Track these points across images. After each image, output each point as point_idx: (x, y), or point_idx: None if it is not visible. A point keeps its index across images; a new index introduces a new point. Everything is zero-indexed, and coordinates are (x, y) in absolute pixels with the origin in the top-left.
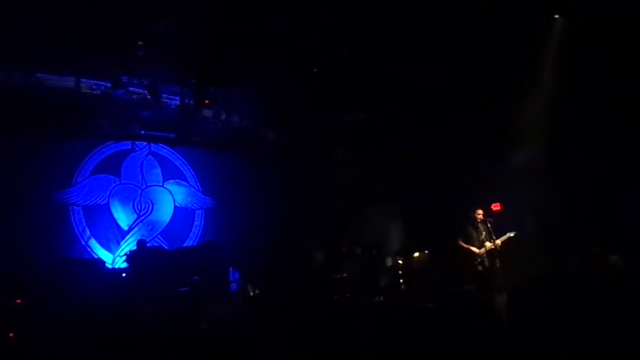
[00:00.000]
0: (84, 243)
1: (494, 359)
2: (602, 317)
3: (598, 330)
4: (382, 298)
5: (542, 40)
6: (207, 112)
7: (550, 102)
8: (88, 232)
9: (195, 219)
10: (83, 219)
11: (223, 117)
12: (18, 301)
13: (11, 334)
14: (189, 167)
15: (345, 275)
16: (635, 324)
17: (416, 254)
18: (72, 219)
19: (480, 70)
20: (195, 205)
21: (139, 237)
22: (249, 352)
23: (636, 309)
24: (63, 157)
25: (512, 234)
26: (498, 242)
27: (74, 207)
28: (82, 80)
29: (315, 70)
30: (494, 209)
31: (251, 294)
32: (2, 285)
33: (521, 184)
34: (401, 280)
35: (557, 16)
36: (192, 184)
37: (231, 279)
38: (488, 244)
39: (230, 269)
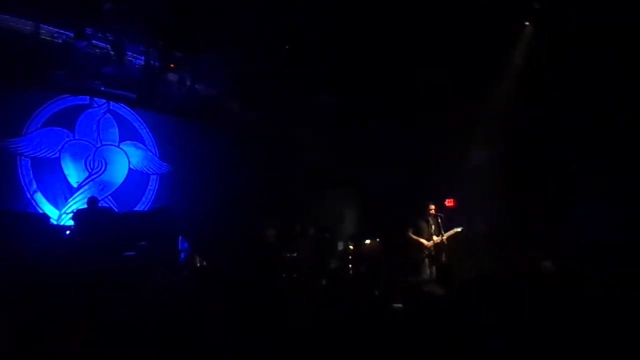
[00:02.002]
0: (29, 196)
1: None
2: (519, 320)
3: (514, 332)
4: (326, 282)
5: (508, 43)
6: (172, 77)
7: (511, 104)
8: (35, 185)
9: (150, 183)
10: (30, 171)
11: (188, 83)
12: None
13: None
14: (147, 130)
15: (295, 255)
16: (551, 329)
17: (368, 241)
18: (19, 170)
19: (449, 66)
20: (151, 170)
21: (90, 196)
22: (188, 322)
23: (555, 315)
24: (15, 104)
25: (458, 230)
26: (445, 236)
27: (22, 157)
28: (42, 26)
29: (286, 47)
30: (447, 204)
31: (198, 264)
32: None
33: (476, 182)
34: (350, 266)
35: (527, 23)
36: (149, 147)
37: (180, 248)
38: (436, 238)
39: (180, 237)
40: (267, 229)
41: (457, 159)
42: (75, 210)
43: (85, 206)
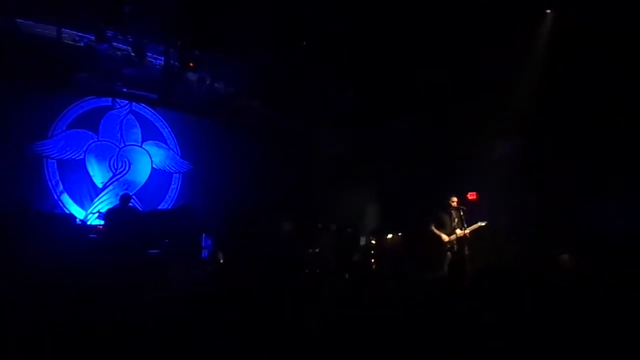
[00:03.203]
0: (56, 197)
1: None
2: (535, 314)
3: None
4: (349, 276)
5: (532, 34)
6: (192, 76)
7: (536, 97)
8: (61, 187)
9: (172, 182)
10: (57, 173)
11: (207, 82)
12: None
13: None
14: (169, 129)
15: (317, 250)
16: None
17: (390, 236)
18: (46, 172)
19: (469, 60)
20: (173, 169)
21: (121, 193)
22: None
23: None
24: (40, 108)
25: (482, 224)
26: (468, 230)
27: (49, 160)
28: (64, 30)
29: (304, 43)
30: (469, 197)
31: (221, 261)
32: None
33: (499, 175)
34: (372, 260)
35: (548, 11)
36: (171, 146)
37: (203, 245)
38: (458, 231)
39: (203, 235)
40: (290, 226)
41: (480, 152)
42: (101, 211)
43: (117, 203)
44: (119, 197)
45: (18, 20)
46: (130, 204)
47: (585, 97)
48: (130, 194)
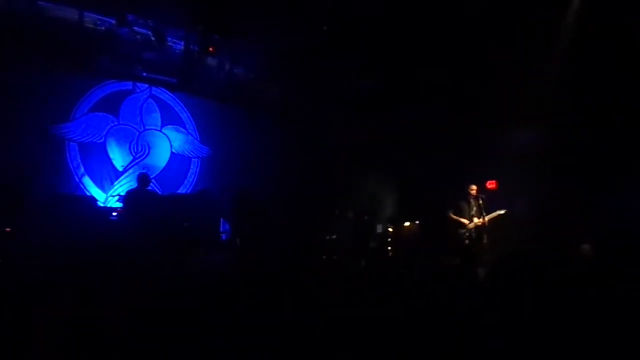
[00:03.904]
0: (77, 179)
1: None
2: (552, 304)
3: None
4: (365, 262)
5: (555, 20)
6: (211, 61)
7: (558, 84)
8: (82, 169)
9: (191, 166)
10: (78, 156)
11: (227, 67)
12: (7, 229)
13: None
14: (188, 114)
15: (334, 237)
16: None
17: (407, 223)
18: (67, 155)
19: (491, 45)
20: (192, 153)
21: (139, 172)
22: (230, 302)
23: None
24: (62, 91)
25: (501, 212)
26: (486, 218)
27: (70, 142)
28: (85, 13)
29: (324, 28)
30: (488, 186)
31: (239, 245)
32: None
33: (519, 164)
34: (389, 247)
35: None
36: (190, 131)
37: (222, 230)
38: (477, 220)
39: (222, 219)
40: (307, 212)
41: (500, 140)
42: (123, 193)
43: (136, 184)
44: (136, 178)
45: (40, 2)
46: (150, 187)
47: (607, 85)
48: (150, 175)
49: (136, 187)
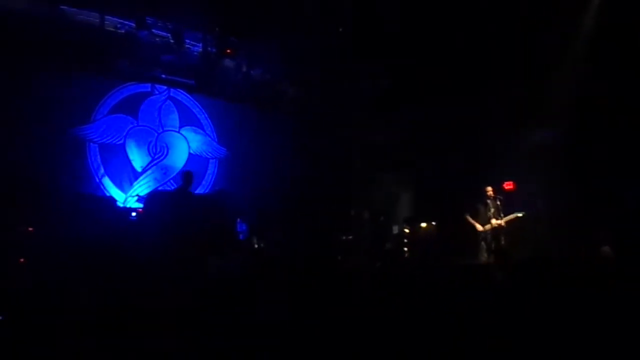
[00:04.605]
0: (97, 180)
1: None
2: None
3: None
4: (381, 263)
5: (575, 19)
6: (229, 63)
7: (578, 83)
8: (102, 170)
9: (209, 167)
10: (98, 157)
11: (244, 69)
12: (30, 229)
13: (22, 259)
14: (206, 115)
15: (350, 237)
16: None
17: (423, 224)
18: (88, 156)
19: (509, 42)
20: (210, 154)
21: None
22: (246, 302)
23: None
24: (83, 93)
25: (519, 214)
26: (503, 220)
27: (91, 144)
28: (106, 17)
29: (340, 29)
30: (506, 187)
31: (256, 246)
32: (17, 213)
33: (537, 164)
34: (405, 249)
35: None
36: (208, 132)
37: (238, 230)
38: (494, 221)
39: (239, 219)
40: (324, 213)
41: (517, 140)
42: (142, 194)
43: (180, 183)
44: (182, 175)
45: (62, 7)
46: (161, 189)
47: (629, 84)
48: (162, 181)
49: (180, 185)
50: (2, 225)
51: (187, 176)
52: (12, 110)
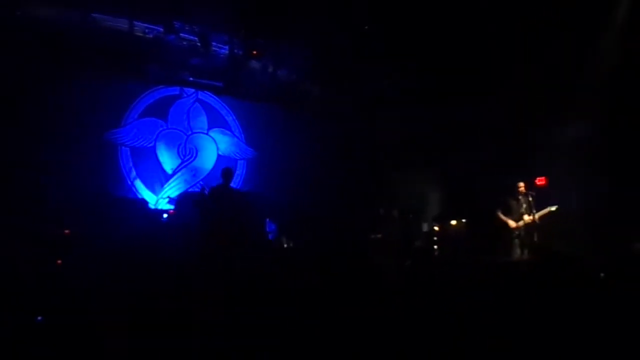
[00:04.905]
0: (129, 183)
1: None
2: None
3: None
4: (411, 262)
5: (608, 12)
6: (255, 64)
7: (611, 76)
8: (134, 173)
9: (237, 168)
10: (130, 160)
11: (270, 69)
12: (66, 231)
13: (59, 261)
14: (233, 116)
15: (380, 236)
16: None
17: (453, 222)
18: (120, 159)
19: (540, 38)
20: (238, 155)
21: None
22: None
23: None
24: (114, 97)
25: (553, 208)
26: (537, 215)
27: (122, 147)
28: (135, 22)
29: (366, 27)
30: (538, 182)
31: (285, 246)
32: (53, 216)
33: (570, 159)
34: (435, 247)
35: None
36: (236, 133)
37: (268, 230)
38: (526, 217)
39: (268, 220)
40: (352, 211)
41: (549, 134)
42: (173, 195)
43: (220, 180)
44: (221, 171)
45: (93, 14)
46: (191, 191)
47: None
48: (192, 182)
49: (219, 183)
50: (39, 228)
51: (226, 173)
52: (48, 116)
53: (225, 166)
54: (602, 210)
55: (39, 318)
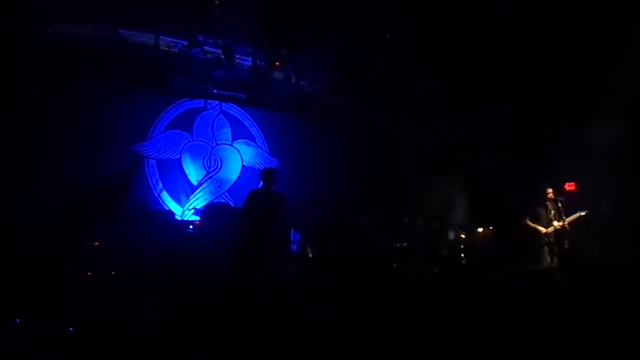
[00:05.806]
0: (156, 195)
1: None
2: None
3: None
4: (438, 270)
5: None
6: (278, 75)
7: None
8: (160, 185)
9: None
10: (156, 172)
11: (293, 80)
12: (96, 244)
13: (89, 273)
14: (257, 127)
15: (405, 244)
16: None
17: (480, 230)
18: (147, 171)
19: (569, 40)
20: (262, 166)
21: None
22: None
23: None
24: (140, 111)
25: (582, 213)
26: (567, 221)
27: (149, 159)
28: (161, 37)
29: (388, 35)
30: (567, 188)
31: (310, 255)
32: (84, 229)
33: (599, 163)
34: (462, 255)
35: None
36: (259, 144)
37: (292, 240)
38: (556, 223)
39: (292, 229)
40: (377, 220)
41: (578, 138)
42: (199, 207)
43: (261, 184)
44: (261, 174)
45: (120, 30)
46: (216, 202)
47: None
48: (217, 193)
49: (260, 186)
50: (70, 241)
51: (268, 175)
52: (78, 130)
53: (265, 167)
54: (633, 215)
55: (70, 329)
